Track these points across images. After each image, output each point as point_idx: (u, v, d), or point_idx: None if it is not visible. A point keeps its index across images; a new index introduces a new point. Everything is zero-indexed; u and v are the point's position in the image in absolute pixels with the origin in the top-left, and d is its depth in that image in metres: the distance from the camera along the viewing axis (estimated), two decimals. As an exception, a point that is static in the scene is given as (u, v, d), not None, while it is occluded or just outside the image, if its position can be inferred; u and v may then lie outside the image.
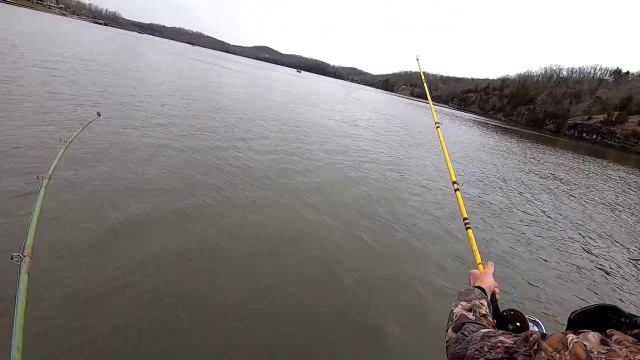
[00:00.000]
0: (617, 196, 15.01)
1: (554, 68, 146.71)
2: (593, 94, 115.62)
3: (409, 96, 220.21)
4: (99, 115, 3.92)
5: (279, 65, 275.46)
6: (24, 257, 1.46)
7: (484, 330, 0.77)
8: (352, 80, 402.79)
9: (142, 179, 5.35)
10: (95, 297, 2.89)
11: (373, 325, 3.37)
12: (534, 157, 23.17)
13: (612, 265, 6.71)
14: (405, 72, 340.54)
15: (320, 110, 21.71)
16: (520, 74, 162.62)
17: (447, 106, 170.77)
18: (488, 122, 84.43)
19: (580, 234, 8.08)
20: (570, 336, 0.58)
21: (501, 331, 0.76)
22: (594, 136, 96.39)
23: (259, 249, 4.28)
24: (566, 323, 0.76)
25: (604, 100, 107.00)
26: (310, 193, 6.62)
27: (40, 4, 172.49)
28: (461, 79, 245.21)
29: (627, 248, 7.97)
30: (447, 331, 0.86)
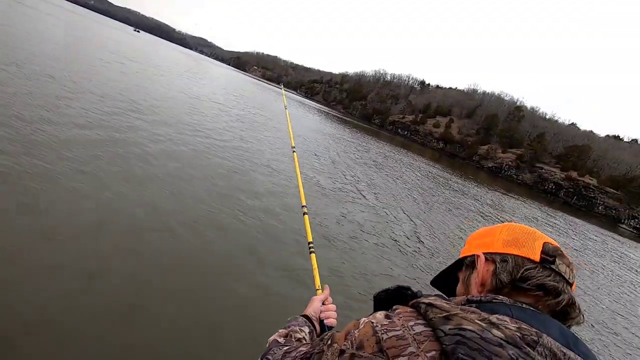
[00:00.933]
0: (419, 181, 18.33)
1: (382, 72, 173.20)
2: (406, 98, 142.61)
3: (260, 78, 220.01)
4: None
5: (109, 19, 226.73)
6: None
7: (285, 348, 0.78)
8: (201, 52, 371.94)
9: None
10: None
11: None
12: (362, 145, 26.20)
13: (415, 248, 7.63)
14: (257, 53, 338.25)
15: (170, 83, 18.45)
16: (357, 72, 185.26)
17: (295, 93, 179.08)
18: (330, 112, 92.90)
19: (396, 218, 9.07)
20: (363, 319, 0.65)
21: (302, 343, 0.78)
22: (406, 132, 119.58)
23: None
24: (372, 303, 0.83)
25: (413, 104, 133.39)
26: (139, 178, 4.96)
27: None
28: (309, 69, 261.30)
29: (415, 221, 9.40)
30: None
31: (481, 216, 14.91)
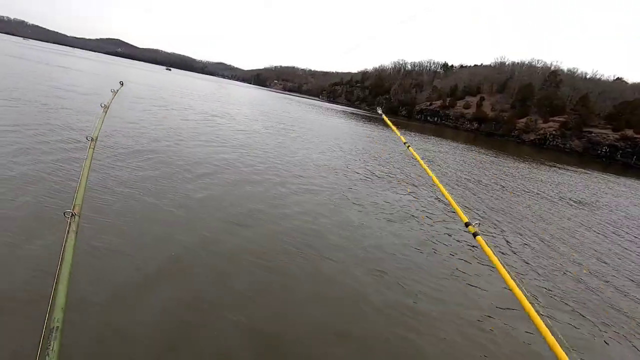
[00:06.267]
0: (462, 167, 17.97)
1: (401, 62, 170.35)
2: (431, 84, 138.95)
3: (282, 90, 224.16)
4: (122, 84, 3.99)
5: (137, 61, 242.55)
6: (74, 215, 1.33)
7: None
8: (223, 76, 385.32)
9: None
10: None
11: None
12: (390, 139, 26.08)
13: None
14: (275, 67, 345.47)
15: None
16: (377, 67, 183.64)
17: (317, 99, 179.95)
18: (355, 111, 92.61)
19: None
20: None
21: None
22: (435, 119, 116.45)
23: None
24: None
25: (439, 89, 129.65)
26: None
27: None
28: (328, 72, 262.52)
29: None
30: None
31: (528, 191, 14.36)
